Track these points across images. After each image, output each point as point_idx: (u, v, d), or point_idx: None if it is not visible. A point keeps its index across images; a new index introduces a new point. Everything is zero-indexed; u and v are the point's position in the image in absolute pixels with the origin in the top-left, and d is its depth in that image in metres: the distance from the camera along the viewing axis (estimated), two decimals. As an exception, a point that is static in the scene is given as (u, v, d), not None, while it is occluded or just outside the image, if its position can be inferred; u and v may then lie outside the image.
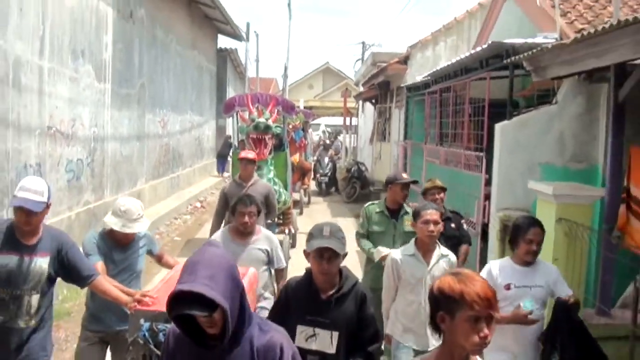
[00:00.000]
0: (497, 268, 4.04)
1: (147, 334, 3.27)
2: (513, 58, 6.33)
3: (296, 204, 14.01)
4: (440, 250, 4.41)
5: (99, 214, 10.23)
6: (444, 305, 2.06)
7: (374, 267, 5.24)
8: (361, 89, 23.28)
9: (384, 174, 17.51)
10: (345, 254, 3.24)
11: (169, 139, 15.82)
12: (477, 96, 8.26)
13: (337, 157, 22.40)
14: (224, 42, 24.97)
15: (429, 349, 3.97)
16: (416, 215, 4.41)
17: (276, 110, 9.21)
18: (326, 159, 19.47)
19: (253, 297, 4.05)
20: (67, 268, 3.72)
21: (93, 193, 10.22)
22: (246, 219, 4.75)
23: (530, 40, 6.66)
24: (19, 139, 7.56)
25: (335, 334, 3.19)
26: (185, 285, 2.10)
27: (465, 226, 6.26)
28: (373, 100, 20.59)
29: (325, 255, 3.13)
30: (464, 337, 2.02)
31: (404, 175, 5.61)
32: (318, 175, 19.45)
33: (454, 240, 5.42)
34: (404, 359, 4.30)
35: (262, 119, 8.27)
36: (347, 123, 26.30)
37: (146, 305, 3.47)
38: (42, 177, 8.14)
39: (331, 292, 3.23)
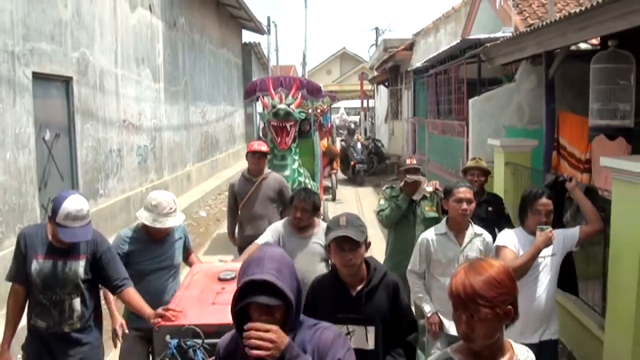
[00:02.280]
0: (515, 236, 3.98)
1: (175, 351, 3.02)
2: (477, 50, 8.43)
3: (327, 190, 14.03)
4: (474, 229, 4.25)
5: (161, 189, 12.57)
6: (448, 293, 2.03)
7: (395, 253, 5.16)
8: (375, 73, 25.36)
9: (398, 148, 19.81)
10: (369, 244, 3.11)
11: (207, 128, 18.14)
12: (470, 76, 10.34)
13: (367, 141, 19.96)
14: (247, 36, 27.19)
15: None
16: (448, 192, 4.26)
17: (299, 94, 8.39)
18: (359, 144, 17.79)
19: None
20: (100, 273, 3.62)
21: (155, 173, 12.58)
22: (298, 214, 4.50)
23: (492, 35, 8.76)
24: (105, 130, 9.88)
25: (371, 329, 3.06)
26: (256, 276, 2.03)
27: (507, 211, 5.58)
28: (386, 83, 22.69)
29: (346, 247, 2.98)
30: (456, 325, 2.01)
31: (408, 161, 5.33)
32: (353, 163, 17.54)
33: (486, 222, 4.86)
34: (439, 345, 4.16)
35: (282, 105, 7.48)
36: (365, 105, 28.43)
37: (170, 320, 3.23)
38: (121, 160, 10.53)
39: (360, 287, 3.08)
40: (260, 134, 9.95)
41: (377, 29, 35.69)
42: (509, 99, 8.78)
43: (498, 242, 4.04)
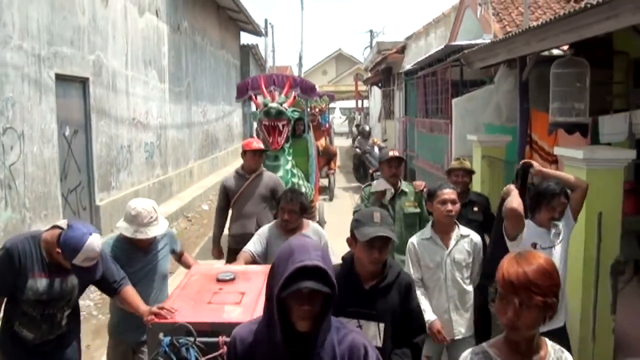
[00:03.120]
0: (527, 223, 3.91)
1: (167, 349, 3.00)
2: (458, 55, 9.25)
3: (324, 190, 13.94)
4: (460, 230, 4.19)
5: (165, 184, 13.44)
6: (497, 280, 2.04)
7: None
8: (369, 74, 26.20)
9: (391, 147, 20.57)
10: (394, 243, 3.06)
11: (208, 126, 18.92)
12: (455, 78, 11.15)
13: (384, 144, 17.28)
14: (245, 38, 28.02)
15: (456, 338, 4.11)
16: (432, 195, 4.19)
17: (292, 93, 8.27)
18: (376, 149, 15.08)
19: None
20: (95, 280, 3.53)
21: (161, 168, 13.36)
22: (286, 216, 4.46)
23: (472, 42, 9.56)
24: (117, 127, 10.66)
25: (381, 326, 3.03)
26: (308, 262, 1.98)
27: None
28: (379, 84, 23.52)
29: (377, 244, 2.94)
30: (498, 314, 2.03)
31: (391, 153, 5.24)
32: (372, 170, 14.54)
33: (474, 224, 4.78)
34: (428, 348, 4.01)
35: (274, 104, 7.21)
36: (359, 105, 29.26)
37: (164, 317, 3.20)
38: (130, 155, 11.30)
39: (374, 282, 3.06)
40: (254, 135, 9.52)
41: (371, 31, 36.54)
42: (488, 99, 9.58)
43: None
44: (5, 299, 3.36)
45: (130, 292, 3.63)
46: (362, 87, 29.03)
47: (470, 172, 5.55)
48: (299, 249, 2.05)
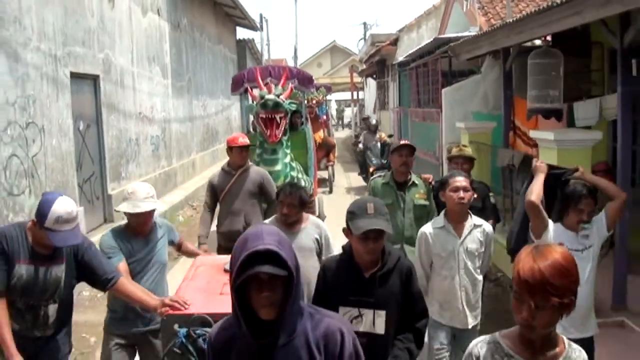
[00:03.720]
0: (552, 229, 3.84)
1: (184, 340, 3.01)
2: (446, 47, 9.86)
3: (323, 182, 13.94)
4: (473, 220, 4.16)
5: (171, 175, 14.05)
6: (512, 277, 1.97)
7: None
8: (364, 66, 26.78)
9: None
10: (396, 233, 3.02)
11: (208, 120, 19.50)
12: (445, 69, 11.77)
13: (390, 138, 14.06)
14: (240, 33, 28.52)
15: (469, 327, 4.09)
16: (444, 184, 4.17)
17: (290, 84, 7.90)
18: (378, 145, 13.13)
19: None
20: (85, 272, 3.51)
21: (166, 160, 13.96)
22: (285, 209, 4.45)
23: (459, 34, 10.17)
24: (125, 121, 11.25)
25: (382, 313, 3.04)
26: (260, 247, 1.93)
27: (492, 199, 5.69)
28: (374, 76, 24.10)
29: (372, 235, 2.97)
30: (514, 312, 1.96)
31: (401, 142, 5.25)
32: (372, 169, 12.67)
33: (473, 211, 4.67)
34: (442, 339, 4.12)
35: (271, 96, 6.91)
36: (355, 97, 29.84)
37: (178, 309, 3.21)
38: (138, 147, 11.90)
39: (374, 270, 3.07)
40: (250, 128, 9.30)
41: (365, 23, 37.20)
42: (475, 89, 10.21)
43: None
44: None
45: (127, 285, 3.57)
46: (357, 79, 29.62)
47: (470, 159, 5.53)
48: (252, 237, 2.00)
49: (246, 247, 1.97)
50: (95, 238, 8.78)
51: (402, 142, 5.20)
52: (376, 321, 3.05)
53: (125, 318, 3.95)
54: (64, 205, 3.24)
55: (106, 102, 10.26)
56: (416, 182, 5.04)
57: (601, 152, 7.03)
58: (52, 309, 3.43)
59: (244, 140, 5.90)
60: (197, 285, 3.57)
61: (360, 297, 3.02)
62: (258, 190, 5.83)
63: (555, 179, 3.96)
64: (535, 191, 3.84)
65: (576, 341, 2.25)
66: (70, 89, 8.77)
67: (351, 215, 3.07)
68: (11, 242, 3.28)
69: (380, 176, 5.34)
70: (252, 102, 7.53)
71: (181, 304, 3.24)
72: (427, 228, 4.19)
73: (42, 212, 3.23)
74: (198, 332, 3.03)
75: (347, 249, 3.18)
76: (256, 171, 5.96)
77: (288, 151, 7.31)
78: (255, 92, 7.65)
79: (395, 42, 19.18)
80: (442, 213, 4.20)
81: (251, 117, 8.67)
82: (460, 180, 4.06)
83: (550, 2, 5.83)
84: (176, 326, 3.08)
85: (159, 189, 12.60)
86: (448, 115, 10.24)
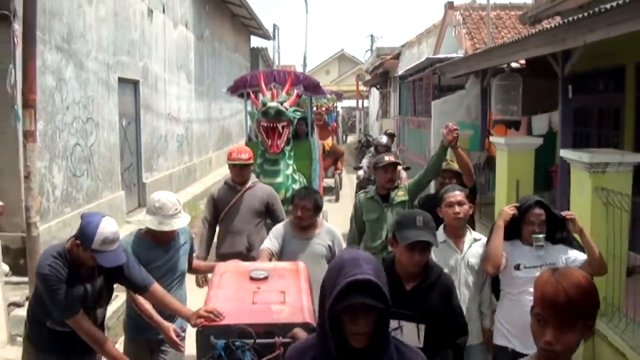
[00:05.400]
0: (507, 248, 3.80)
1: (223, 353, 2.92)
2: (435, 66, 11.57)
3: (330, 190, 13.95)
4: (472, 234, 4.11)
5: (192, 169, 15.80)
6: (535, 299, 1.90)
7: (377, 250, 4.88)
8: (369, 76, 28.56)
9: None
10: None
11: (223, 122, 21.26)
12: (436, 84, 13.48)
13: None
14: (254, 41, 30.31)
15: (472, 343, 3.83)
16: (440, 199, 4.10)
17: (295, 91, 7.60)
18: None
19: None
20: (122, 280, 3.57)
21: (188, 156, 15.70)
22: (299, 212, 4.41)
23: (449, 55, 11.87)
24: (157, 120, 12.98)
25: (422, 327, 3.05)
26: (360, 276, 1.88)
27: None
28: (378, 86, 25.86)
29: (418, 247, 2.98)
30: (534, 336, 1.88)
31: (387, 158, 5.02)
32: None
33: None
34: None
35: (273, 103, 6.58)
36: (360, 105, 31.60)
37: (212, 320, 3.08)
38: (166, 144, 13.63)
39: (415, 283, 3.09)
40: (252, 136, 8.79)
41: (372, 36, 38.98)
42: (460, 102, 11.90)
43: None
44: (36, 303, 3.53)
45: (161, 290, 3.58)
46: (363, 88, 31.43)
47: (458, 174, 5.18)
48: (349, 263, 1.96)
49: (344, 273, 1.92)
50: (134, 218, 10.63)
51: (387, 158, 4.99)
52: (416, 334, 3.07)
53: (141, 324, 3.86)
54: (109, 227, 3.25)
55: (143, 103, 11.99)
56: (399, 185, 5.04)
57: (555, 156, 8.72)
58: (100, 312, 3.59)
59: (238, 155, 5.32)
60: (227, 294, 3.41)
61: (401, 309, 2.97)
62: (264, 210, 5.39)
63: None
64: (492, 255, 3.76)
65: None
66: (117, 92, 10.49)
67: (399, 225, 3.15)
68: (57, 277, 3.30)
69: (365, 191, 5.21)
70: (255, 108, 7.19)
71: (217, 315, 3.09)
72: None
73: (87, 234, 3.23)
74: (237, 344, 2.91)
75: (388, 260, 3.26)
76: (263, 189, 5.51)
77: (290, 162, 6.97)
78: (260, 98, 7.25)
79: (397, 56, 20.92)
80: (441, 227, 4.04)
81: (250, 124, 8.46)
82: (455, 195, 3.99)
83: (517, 37, 7.54)
84: (212, 338, 2.97)
85: (182, 181, 14.43)
86: (436, 124, 11.91)
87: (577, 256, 3.76)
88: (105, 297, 3.60)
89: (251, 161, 5.48)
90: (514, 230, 3.84)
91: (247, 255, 5.07)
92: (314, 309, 3.12)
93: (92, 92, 9.43)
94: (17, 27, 6.93)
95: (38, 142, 6.47)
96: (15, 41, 6.99)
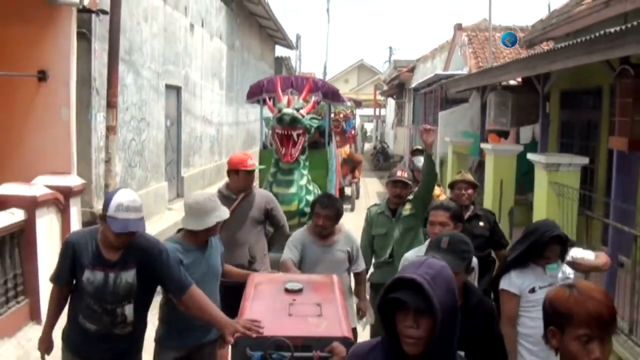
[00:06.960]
0: (520, 277, 3.69)
1: None
2: (442, 82, 13.07)
3: (346, 199, 13.80)
4: None
5: (221, 168, 17.38)
6: (554, 320, 1.87)
7: (384, 263, 4.95)
8: (386, 87, 30.15)
9: (401, 149, 24.50)
10: (472, 269, 3.03)
11: (249, 126, 22.90)
12: (444, 97, 14.97)
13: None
14: (278, 50, 32.01)
15: None
16: (427, 216, 4.02)
17: (312, 98, 7.44)
18: None
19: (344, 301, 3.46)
20: (156, 279, 3.47)
21: (218, 155, 17.35)
22: (321, 222, 4.38)
23: (454, 72, 13.37)
24: (194, 122, 14.62)
25: (462, 354, 2.72)
26: (407, 275, 1.87)
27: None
28: (394, 96, 27.41)
29: None
30: (574, 358, 1.82)
31: (399, 173, 4.99)
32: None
33: (480, 239, 4.72)
34: None
35: (289, 110, 6.32)
36: (377, 113, 33.17)
37: (250, 331, 2.97)
38: (200, 143, 15.27)
39: None
40: (267, 143, 8.52)
41: (390, 48, 40.56)
42: (464, 113, 13.39)
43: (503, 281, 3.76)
44: (72, 293, 3.51)
45: (200, 293, 3.45)
46: (380, 97, 33.03)
47: (473, 185, 5.19)
48: (411, 265, 1.95)
49: (401, 271, 1.95)
50: (175, 205, 12.28)
51: (399, 174, 4.98)
52: None
53: (181, 329, 3.77)
54: (125, 195, 3.26)
55: (184, 107, 13.63)
56: (407, 199, 5.00)
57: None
58: (129, 308, 3.42)
59: (243, 163, 5.01)
60: (263, 305, 3.35)
61: None
62: (264, 217, 5.12)
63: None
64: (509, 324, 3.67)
65: None
66: (164, 96, 12.13)
67: (428, 248, 3.14)
68: (79, 251, 3.35)
69: (376, 205, 5.27)
70: (270, 114, 6.92)
71: (257, 328, 2.99)
72: (410, 255, 3.94)
73: (106, 201, 3.29)
74: (274, 356, 2.85)
75: None
76: (260, 195, 5.19)
77: (305, 172, 6.61)
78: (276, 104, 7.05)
79: (412, 69, 22.47)
80: (427, 242, 3.94)
81: (265, 130, 8.30)
82: (438, 215, 3.89)
83: (504, 61, 9.05)
84: (248, 350, 2.91)
85: (212, 177, 16.06)
86: (442, 133, 13.42)
87: (569, 269, 3.82)
88: (136, 295, 3.41)
89: (253, 169, 5.11)
90: (526, 256, 3.69)
91: (249, 268, 4.73)
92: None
93: (145, 96, 11.07)
94: (97, 45, 8.61)
95: (118, 134, 8.11)
96: (94, 55, 8.67)
